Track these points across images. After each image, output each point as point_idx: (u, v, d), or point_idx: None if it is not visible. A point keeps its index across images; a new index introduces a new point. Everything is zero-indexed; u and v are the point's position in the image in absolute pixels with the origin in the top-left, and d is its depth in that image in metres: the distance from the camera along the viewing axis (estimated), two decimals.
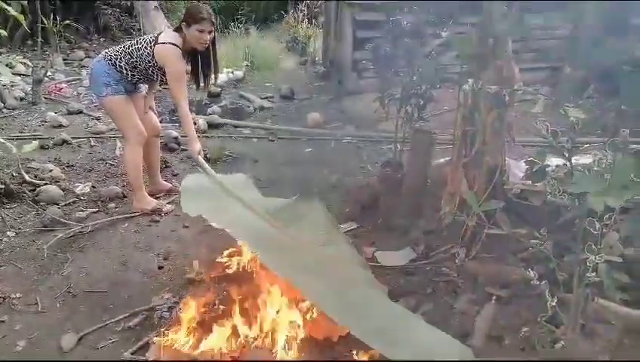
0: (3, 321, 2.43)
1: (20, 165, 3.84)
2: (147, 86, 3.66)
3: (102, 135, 5.03)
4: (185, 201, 2.51)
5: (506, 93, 2.75)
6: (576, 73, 3.18)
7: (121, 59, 3.29)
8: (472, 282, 2.59)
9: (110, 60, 3.29)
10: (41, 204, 3.55)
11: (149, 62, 3.29)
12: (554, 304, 1.94)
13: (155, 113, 3.77)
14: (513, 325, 2.34)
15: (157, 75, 3.42)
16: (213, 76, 3.57)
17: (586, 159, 2.05)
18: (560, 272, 2.35)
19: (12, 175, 3.86)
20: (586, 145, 2.21)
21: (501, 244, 2.57)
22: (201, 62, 3.44)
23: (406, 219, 3.23)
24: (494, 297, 2.47)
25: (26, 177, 3.77)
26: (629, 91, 1.96)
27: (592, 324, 2.15)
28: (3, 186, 3.56)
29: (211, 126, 5.48)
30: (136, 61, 3.29)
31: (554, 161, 2.19)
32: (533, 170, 2.09)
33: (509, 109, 2.82)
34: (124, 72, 3.32)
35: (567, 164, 1.93)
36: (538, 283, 1.96)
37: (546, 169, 2.11)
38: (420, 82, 3.44)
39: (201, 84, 3.57)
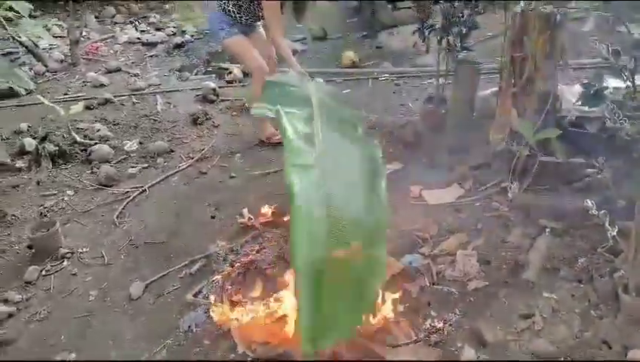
0: (74, 274, 2.61)
1: (70, 126, 3.98)
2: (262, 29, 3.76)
3: (142, 91, 5.09)
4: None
5: (557, 13, 2.55)
6: None
7: (227, 2, 3.49)
8: (525, 215, 2.53)
9: (220, 7, 3.52)
10: (94, 162, 3.69)
11: (250, 1, 3.46)
12: (614, 234, 1.87)
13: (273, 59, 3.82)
14: (569, 257, 2.30)
15: (262, 15, 3.56)
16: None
17: None
18: (618, 201, 2.27)
19: (63, 136, 4.01)
20: None
21: (555, 175, 2.48)
22: None
23: (452, 156, 3.16)
24: (548, 229, 2.42)
25: (77, 138, 3.91)
26: None
27: None
28: (57, 148, 3.72)
29: (246, 74, 5.43)
30: (240, 1, 3.46)
31: (612, 83, 2.05)
32: (590, 93, 1.96)
33: (562, 30, 2.62)
34: (233, 14, 3.51)
35: (630, 84, 1.79)
36: (596, 213, 1.89)
37: (604, 91, 1.98)
38: (461, 8, 3.24)
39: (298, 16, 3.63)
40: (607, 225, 1.87)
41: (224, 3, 3.49)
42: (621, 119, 2.01)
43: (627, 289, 1.95)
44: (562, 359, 1.84)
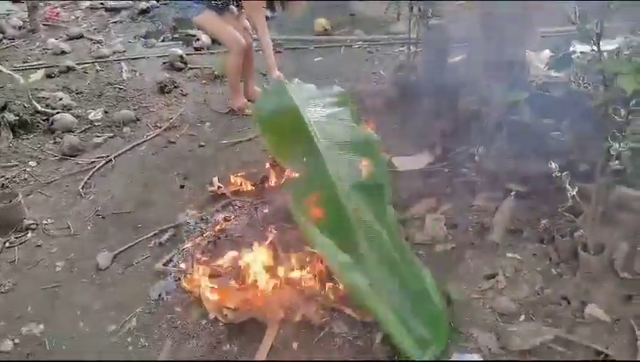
0: (39, 246, 2.55)
1: (30, 95, 3.82)
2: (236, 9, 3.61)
3: (106, 59, 4.90)
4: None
5: None
6: None
7: None
8: (491, 179, 2.58)
9: None
10: (57, 132, 3.57)
11: None
12: (574, 194, 1.93)
13: (249, 32, 3.73)
14: (532, 218, 2.37)
15: (236, 2, 3.46)
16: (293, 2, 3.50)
17: (611, 45, 1.93)
18: (581, 164, 2.33)
19: (24, 106, 3.84)
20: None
21: (521, 139, 2.52)
22: None
23: (422, 123, 3.17)
24: (513, 193, 2.48)
25: (38, 107, 3.76)
26: None
27: (613, 212, 2.17)
28: (17, 117, 3.57)
29: (215, 41, 5.28)
30: None
31: (578, 48, 2.07)
32: (557, 57, 1.98)
33: None
34: None
35: (595, 49, 1.81)
36: (559, 174, 1.94)
37: (571, 56, 1.99)
38: None
39: (277, 10, 3.56)
40: (567, 185, 1.92)
41: None
42: (585, 83, 2.03)
43: (586, 248, 2.03)
44: (523, 315, 1.92)
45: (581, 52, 2.01)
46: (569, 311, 1.91)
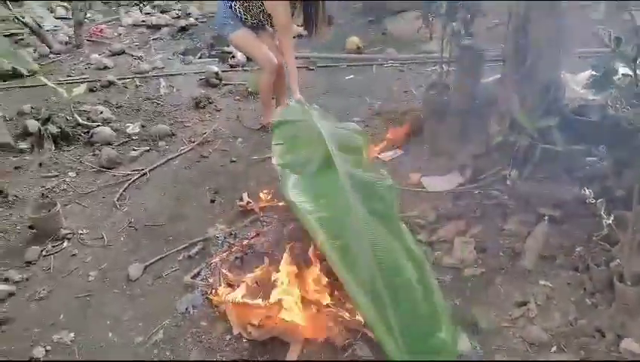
0: (74, 255, 2.64)
1: (72, 108, 3.99)
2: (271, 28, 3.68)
3: (146, 74, 5.08)
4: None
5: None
6: None
7: (235, 1, 3.38)
8: (524, 203, 2.53)
9: (228, 1, 3.40)
10: (96, 144, 3.70)
11: (260, 7, 3.38)
12: (610, 222, 1.87)
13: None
14: (566, 245, 2.30)
15: (269, 23, 3.51)
16: (323, 26, 3.55)
17: None
18: (618, 190, 2.25)
19: (66, 118, 4.02)
20: None
21: (555, 163, 2.47)
22: (310, 9, 3.43)
23: (453, 143, 3.14)
24: (546, 217, 2.41)
25: (79, 120, 3.92)
26: None
27: None
28: (59, 130, 3.73)
29: (249, 59, 5.39)
30: (249, 5, 3.38)
31: (620, 70, 2.02)
32: (599, 77, 1.93)
33: (564, 17, 2.58)
34: (239, 14, 3.43)
35: (631, 72, 1.77)
36: (594, 201, 1.88)
37: (612, 76, 1.94)
38: None
39: (313, 33, 3.56)
40: (602, 213, 1.86)
41: (232, 2, 3.40)
42: (624, 107, 1.98)
43: (622, 278, 1.95)
44: (555, 346, 1.85)
45: (623, 74, 1.96)
46: (603, 344, 1.84)
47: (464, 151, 3.02)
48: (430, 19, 3.51)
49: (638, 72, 1.77)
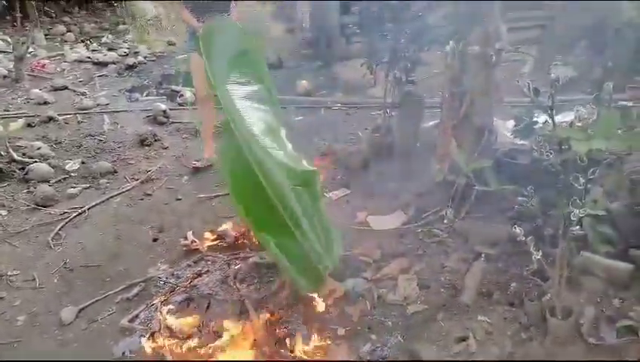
0: (2, 298, 2.46)
1: (8, 144, 3.80)
2: None
3: (89, 110, 4.96)
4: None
5: (492, 54, 2.74)
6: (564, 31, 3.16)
7: None
8: (462, 241, 2.64)
9: None
10: (32, 181, 3.53)
11: None
12: (539, 257, 1.98)
13: None
14: (502, 281, 2.41)
15: None
16: None
17: (570, 117, 2.07)
18: (546, 228, 2.40)
19: (0, 154, 3.83)
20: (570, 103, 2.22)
21: (489, 204, 2.61)
22: None
23: (396, 183, 3.26)
24: (483, 255, 2.52)
25: (15, 156, 3.74)
26: (616, 48, 1.96)
27: (578, 277, 2.22)
28: None
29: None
30: None
31: (542, 119, 2.20)
32: (521, 126, 2.10)
33: (496, 70, 2.81)
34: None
35: (550, 120, 1.94)
36: (524, 239, 2.00)
37: (534, 126, 2.11)
38: (407, 45, 3.40)
39: None
40: (532, 249, 1.98)
41: None
42: (547, 151, 2.15)
43: (554, 312, 2.06)
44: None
45: (544, 122, 2.15)
46: None
47: (407, 191, 3.14)
48: (374, 66, 3.70)
49: (554, 119, 1.93)
